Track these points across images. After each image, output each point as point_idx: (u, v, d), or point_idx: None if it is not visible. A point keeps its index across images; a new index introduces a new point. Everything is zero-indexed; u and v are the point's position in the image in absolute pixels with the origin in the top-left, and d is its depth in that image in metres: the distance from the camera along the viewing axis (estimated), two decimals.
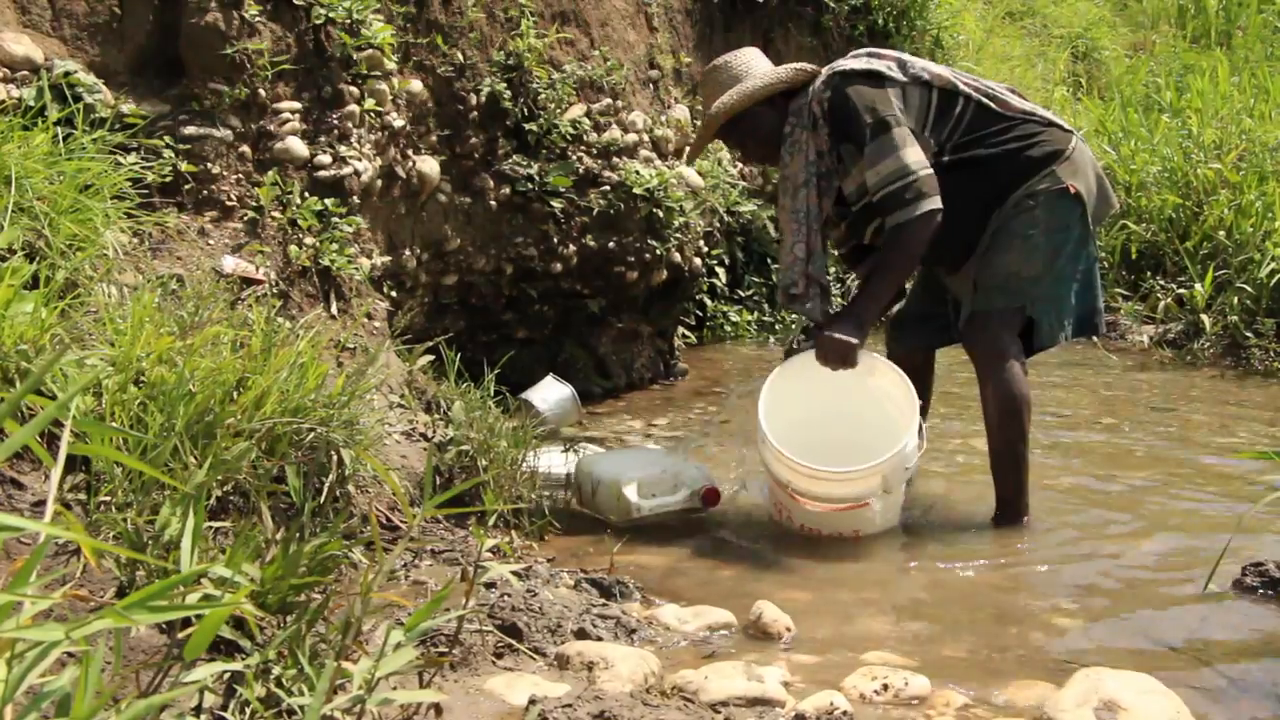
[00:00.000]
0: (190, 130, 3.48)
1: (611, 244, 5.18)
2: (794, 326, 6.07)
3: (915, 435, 3.32)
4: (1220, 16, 12.42)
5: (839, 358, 3.40)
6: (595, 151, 5.12)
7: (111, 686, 1.39)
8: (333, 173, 3.75)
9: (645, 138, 5.49)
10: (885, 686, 2.26)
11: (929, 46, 8.53)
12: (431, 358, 3.76)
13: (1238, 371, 6.05)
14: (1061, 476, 4.07)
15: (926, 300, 3.78)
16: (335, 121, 3.83)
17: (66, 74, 3.23)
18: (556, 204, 4.95)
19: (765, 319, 7.03)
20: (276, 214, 3.55)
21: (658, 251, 5.32)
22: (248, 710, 1.59)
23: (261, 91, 3.64)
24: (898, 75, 3.40)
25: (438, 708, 1.79)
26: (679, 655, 2.47)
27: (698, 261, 5.77)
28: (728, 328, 6.94)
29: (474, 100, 4.71)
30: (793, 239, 3.49)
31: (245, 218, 3.49)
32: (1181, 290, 6.84)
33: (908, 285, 3.82)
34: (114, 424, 2.27)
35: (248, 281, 3.27)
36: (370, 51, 3.95)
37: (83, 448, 1.49)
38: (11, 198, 2.55)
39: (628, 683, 2.17)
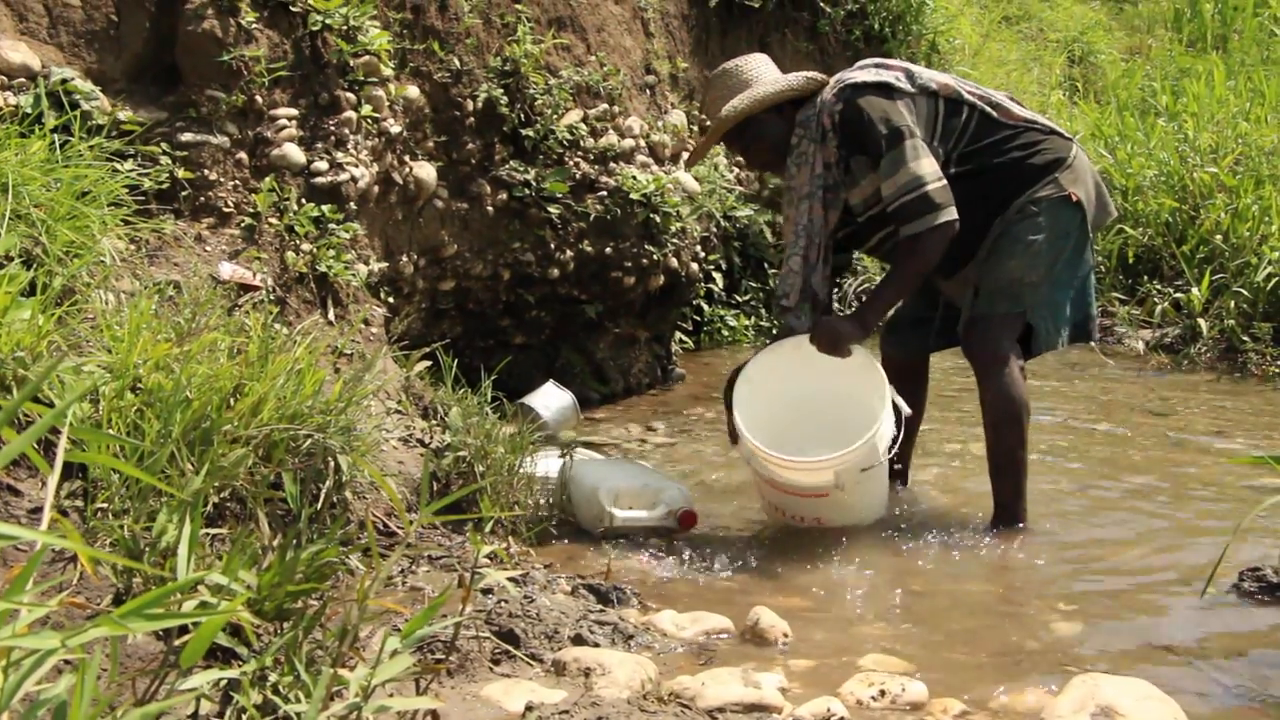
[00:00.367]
0: (187, 137, 3.48)
1: (608, 249, 5.19)
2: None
3: (873, 442, 3.30)
4: (1216, 20, 12.43)
5: (829, 343, 3.43)
6: (592, 157, 5.13)
7: (108, 694, 1.39)
8: (329, 179, 3.75)
9: (642, 143, 5.49)
10: (882, 692, 2.26)
11: (925, 51, 8.54)
12: (429, 363, 3.75)
13: (1234, 376, 6.06)
14: (1059, 481, 4.07)
15: (920, 304, 3.79)
16: (332, 128, 3.83)
17: (63, 81, 3.23)
18: (553, 209, 4.96)
19: (762, 324, 7.02)
20: (273, 220, 3.55)
21: (655, 257, 5.33)
22: (244, 717, 1.59)
23: (258, 98, 3.64)
24: (906, 86, 3.41)
25: (435, 715, 1.79)
26: (676, 661, 2.47)
27: (695, 266, 5.77)
28: (725, 332, 6.94)
29: (471, 106, 4.71)
30: (790, 250, 3.50)
31: (242, 224, 3.49)
32: (1178, 294, 6.84)
33: None
34: (111, 431, 2.26)
35: (245, 288, 3.27)
36: (367, 58, 3.95)
37: (80, 455, 1.49)
38: (9, 205, 2.55)
39: (625, 689, 2.17)
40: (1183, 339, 6.60)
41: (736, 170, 6.96)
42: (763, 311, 7.11)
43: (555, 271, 5.09)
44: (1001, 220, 3.44)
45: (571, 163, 5.04)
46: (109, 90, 3.42)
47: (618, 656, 2.29)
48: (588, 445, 4.28)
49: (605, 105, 5.28)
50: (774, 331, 6.77)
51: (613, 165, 5.21)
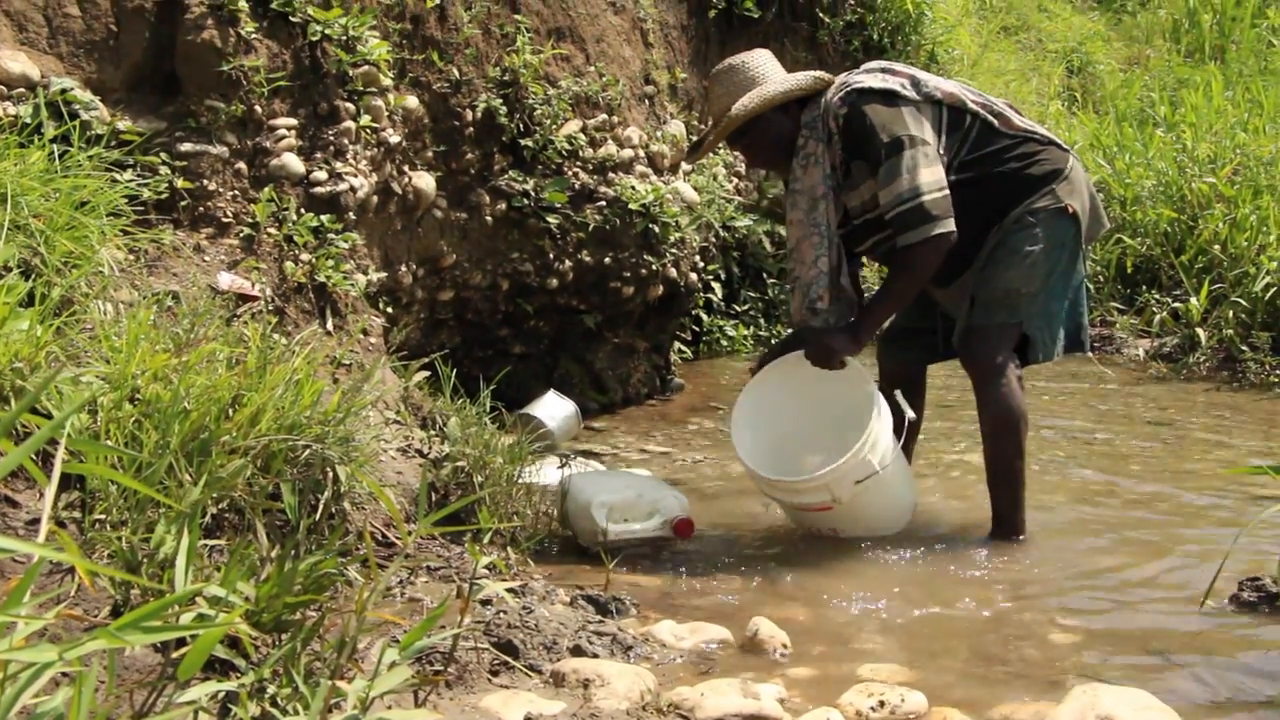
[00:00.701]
0: (186, 147, 3.48)
1: (607, 259, 5.19)
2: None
3: (862, 456, 3.30)
4: (1214, 31, 12.45)
5: (822, 356, 3.46)
6: (591, 167, 5.14)
7: (105, 707, 1.38)
8: (329, 189, 3.75)
9: (641, 153, 5.50)
10: (882, 703, 2.26)
11: (924, 61, 8.55)
12: (427, 374, 3.75)
13: (1233, 385, 6.06)
14: (1057, 491, 4.07)
15: (915, 315, 3.79)
16: (331, 138, 3.84)
17: (63, 91, 3.24)
18: (552, 219, 4.96)
19: (761, 334, 7.03)
20: (272, 230, 3.55)
21: (654, 267, 5.33)
22: None
23: (258, 108, 3.64)
24: (911, 94, 3.41)
25: None
26: (675, 672, 2.46)
27: (694, 277, 5.78)
28: (724, 342, 6.94)
29: (470, 116, 4.72)
30: (815, 253, 3.47)
31: (241, 234, 3.49)
32: (1177, 304, 6.86)
33: None
34: (109, 442, 2.26)
35: (243, 298, 3.27)
36: (366, 68, 3.96)
37: (77, 466, 1.49)
38: (7, 215, 2.55)
39: (624, 700, 2.16)
40: (1181, 348, 6.61)
41: (736, 180, 6.97)
42: (762, 321, 7.11)
43: (554, 281, 5.09)
44: (998, 230, 3.45)
45: (570, 173, 5.04)
46: (108, 100, 3.42)
47: (617, 667, 2.28)
48: (586, 455, 4.28)
49: (604, 115, 5.29)
50: (772, 342, 6.81)
51: (611, 175, 5.22)
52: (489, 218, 4.84)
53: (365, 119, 3.95)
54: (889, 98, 3.40)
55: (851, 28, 7.92)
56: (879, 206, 3.39)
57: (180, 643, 1.56)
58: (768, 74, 3.52)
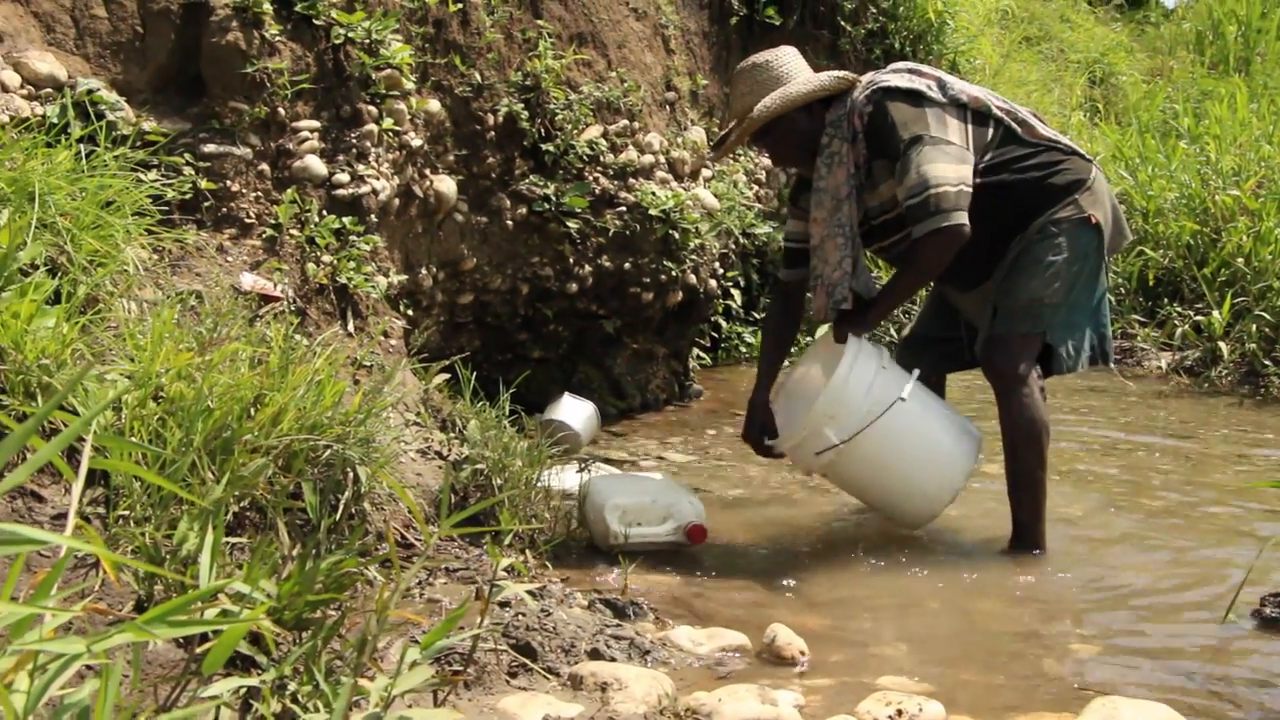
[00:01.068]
0: (210, 148, 3.50)
1: (627, 265, 5.20)
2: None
3: (816, 429, 3.41)
4: (1239, 43, 12.42)
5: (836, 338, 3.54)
6: (612, 172, 5.14)
7: (130, 701, 1.39)
8: (351, 191, 3.76)
9: (661, 159, 5.51)
10: (899, 712, 2.25)
11: (945, 70, 8.54)
12: (447, 376, 3.76)
13: (1256, 399, 6.02)
14: (1078, 503, 4.05)
15: (937, 324, 3.78)
16: (354, 140, 3.85)
17: (89, 92, 3.25)
18: (572, 224, 4.97)
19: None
20: (295, 232, 3.57)
21: (673, 273, 5.33)
22: None
23: (281, 110, 3.66)
24: (937, 95, 3.41)
25: None
26: (693, 677, 2.46)
27: (713, 283, 5.78)
28: (743, 349, 6.94)
29: (491, 120, 4.73)
30: (839, 253, 3.47)
31: (264, 235, 3.50)
32: (1199, 317, 6.82)
33: (916, 306, 3.84)
34: (133, 439, 2.27)
35: (266, 299, 3.29)
36: (389, 71, 3.97)
37: (102, 462, 1.49)
38: (35, 214, 2.57)
39: (641, 704, 2.16)
40: (1203, 362, 6.58)
41: (756, 187, 6.97)
42: None
43: (574, 286, 5.10)
44: (1021, 240, 3.44)
45: (591, 178, 5.05)
46: (134, 101, 3.44)
47: (634, 671, 2.29)
48: (605, 461, 4.29)
49: (625, 121, 5.30)
50: (792, 350, 6.80)
51: (632, 181, 5.22)
52: (509, 222, 4.85)
53: (387, 122, 3.97)
54: (914, 98, 3.39)
55: (873, 36, 7.91)
56: (898, 205, 3.39)
57: (203, 638, 1.56)
58: (792, 73, 3.51)
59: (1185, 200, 7.42)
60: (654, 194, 5.22)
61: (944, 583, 3.24)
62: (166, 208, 3.22)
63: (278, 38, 3.65)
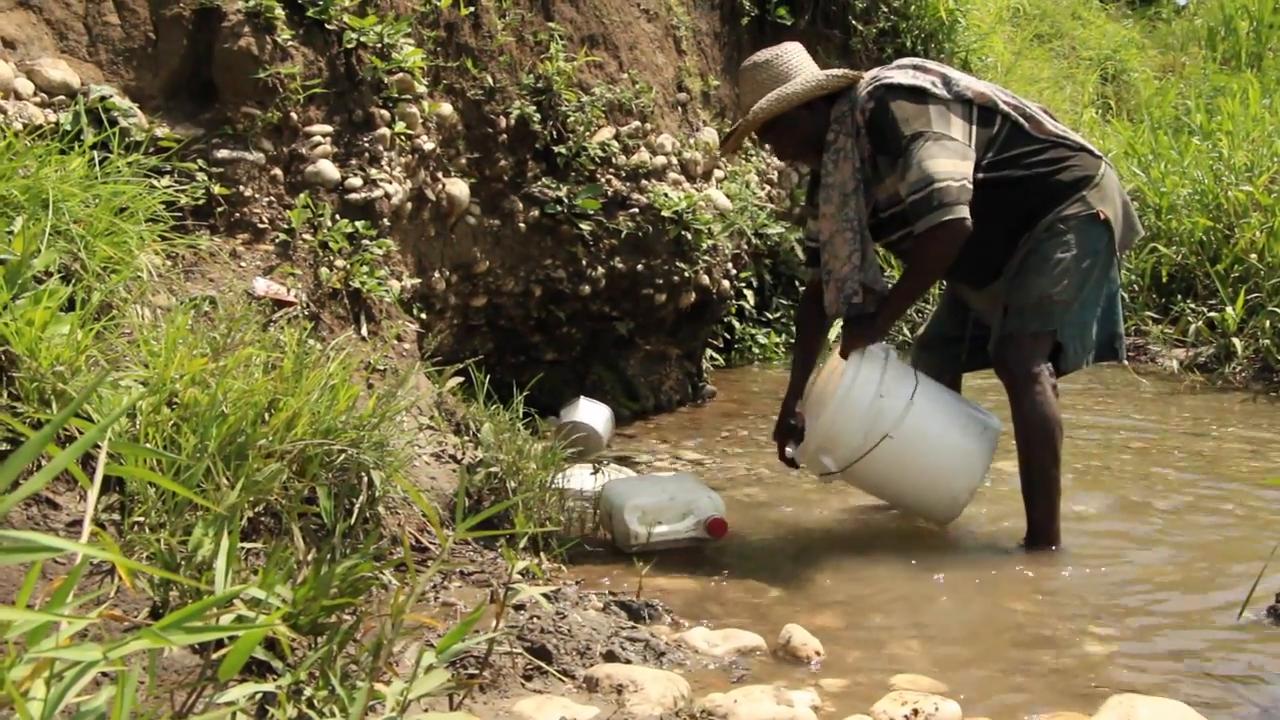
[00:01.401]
0: (223, 154, 3.51)
1: (640, 266, 5.20)
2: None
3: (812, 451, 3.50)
4: (1251, 38, 12.36)
5: (846, 348, 3.51)
6: (624, 174, 5.15)
7: (147, 707, 1.40)
8: (363, 195, 3.77)
9: (674, 160, 5.51)
10: (915, 712, 2.25)
11: (957, 68, 8.52)
12: (461, 379, 3.77)
13: (1270, 395, 6.00)
14: (1092, 501, 4.04)
15: (950, 324, 3.78)
16: (366, 144, 3.86)
17: (102, 98, 3.27)
18: (585, 226, 4.97)
19: (793, 341, 7.01)
20: (308, 236, 3.58)
21: (686, 274, 5.33)
22: None
23: (293, 115, 3.67)
24: (941, 92, 3.40)
25: None
26: (708, 678, 2.46)
27: (726, 284, 5.77)
28: (755, 350, 6.94)
29: (503, 123, 4.74)
30: (849, 249, 3.47)
31: (277, 240, 3.51)
32: (1212, 313, 6.79)
33: (930, 306, 3.83)
34: (148, 445, 2.28)
35: (279, 303, 3.30)
36: (401, 75, 3.98)
37: (117, 469, 1.50)
38: (49, 221, 2.58)
39: (657, 706, 2.16)
40: (1217, 358, 6.55)
41: (768, 188, 6.97)
42: (793, 329, 7.09)
43: (586, 288, 5.10)
44: (1030, 238, 3.43)
45: (603, 180, 5.05)
46: (147, 107, 3.45)
47: (650, 673, 2.29)
48: (619, 462, 4.29)
49: (637, 122, 5.30)
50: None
51: (644, 182, 5.22)
52: (522, 224, 4.86)
53: (400, 126, 3.98)
54: (917, 94, 3.39)
55: (884, 35, 7.91)
56: (902, 200, 3.39)
57: (219, 644, 1.57)
58: (793, 71, 3.51)
59: (1198, 196, 7.39)
60: (666, 195, 5.23)
61: (959, 581, 3.23)
62: (180, 214, 3.24)
63: (290, 43, 3.66)
